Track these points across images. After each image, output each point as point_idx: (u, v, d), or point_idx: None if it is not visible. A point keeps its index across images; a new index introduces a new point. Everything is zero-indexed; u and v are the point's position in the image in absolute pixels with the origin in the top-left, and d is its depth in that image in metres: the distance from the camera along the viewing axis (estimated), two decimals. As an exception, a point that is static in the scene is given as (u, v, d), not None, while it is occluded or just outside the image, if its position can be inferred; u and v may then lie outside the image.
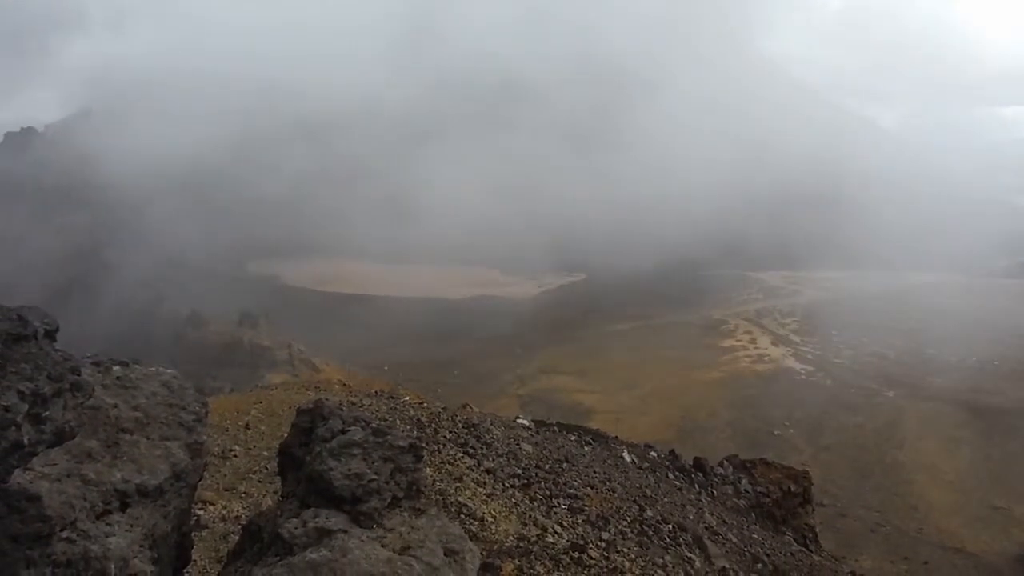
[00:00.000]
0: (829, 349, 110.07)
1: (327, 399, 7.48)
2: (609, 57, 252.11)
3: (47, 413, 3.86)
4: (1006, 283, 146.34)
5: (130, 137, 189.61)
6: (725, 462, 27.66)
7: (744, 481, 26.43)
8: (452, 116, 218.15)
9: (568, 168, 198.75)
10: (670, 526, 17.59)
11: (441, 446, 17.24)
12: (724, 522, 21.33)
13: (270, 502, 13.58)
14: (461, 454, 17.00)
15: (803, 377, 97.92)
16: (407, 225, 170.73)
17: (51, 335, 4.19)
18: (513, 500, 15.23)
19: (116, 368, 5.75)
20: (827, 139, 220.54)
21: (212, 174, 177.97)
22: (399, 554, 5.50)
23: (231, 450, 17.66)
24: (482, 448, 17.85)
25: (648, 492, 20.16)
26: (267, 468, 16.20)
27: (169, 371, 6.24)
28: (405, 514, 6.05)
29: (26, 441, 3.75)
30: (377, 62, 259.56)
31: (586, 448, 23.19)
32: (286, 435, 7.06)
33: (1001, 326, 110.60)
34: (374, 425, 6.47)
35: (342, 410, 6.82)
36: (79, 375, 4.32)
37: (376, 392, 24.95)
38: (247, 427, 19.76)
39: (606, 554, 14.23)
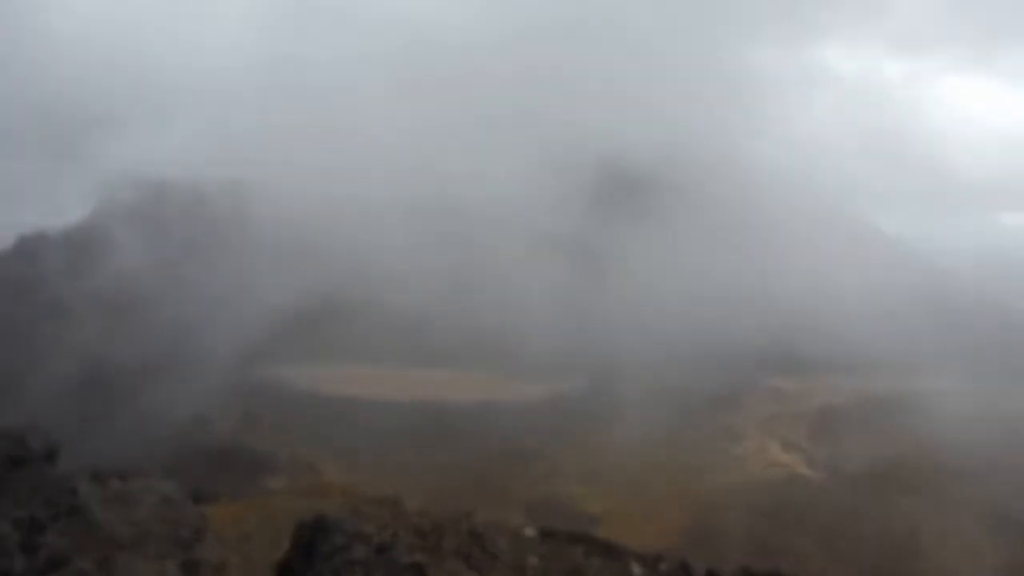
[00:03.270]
0: (841, 456, 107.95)
1: (328, 513, 7.31)
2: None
3: (42, 539, 3.77)
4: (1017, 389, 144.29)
5: (145, 238, 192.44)
6: (741, 574, 26.73)
7: (759, 596, 25.44)
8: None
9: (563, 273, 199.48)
10: (682, 646, 16.88)
11: (444, 559, 16.75)
12: (739, 641, 20.49)
13: (266, 619, 13.13)
14: (465, 567, 16.50)
15: (816, 484, 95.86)
16: (416, 328, 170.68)
17: (52, 457, 4.14)
18: (519, 618, 14.69)
19: (115, 482, 5.67)
20: (830, 245, 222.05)
21: (223, 279, 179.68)
22: None
23: (228, 562, 17.20)
24: (487, 561, 17.34)
25: (659, 608, 19.45)
26: (264, 581, 15.73)
27: (169, 484, 6.14)
28: (406, 639, 5.82)
29: (18, 572, 3.64)
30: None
31: (593, 560, 22.50)
32: (286, 546, 6.88)
33: (1020, 431, 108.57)
34: (376, 542, 6.31)
35: (344, 524, 6.67)
36: (77, 497, 4.24)
37: (378, 499, 24.46)
38: (246, 536, 19.31)
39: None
